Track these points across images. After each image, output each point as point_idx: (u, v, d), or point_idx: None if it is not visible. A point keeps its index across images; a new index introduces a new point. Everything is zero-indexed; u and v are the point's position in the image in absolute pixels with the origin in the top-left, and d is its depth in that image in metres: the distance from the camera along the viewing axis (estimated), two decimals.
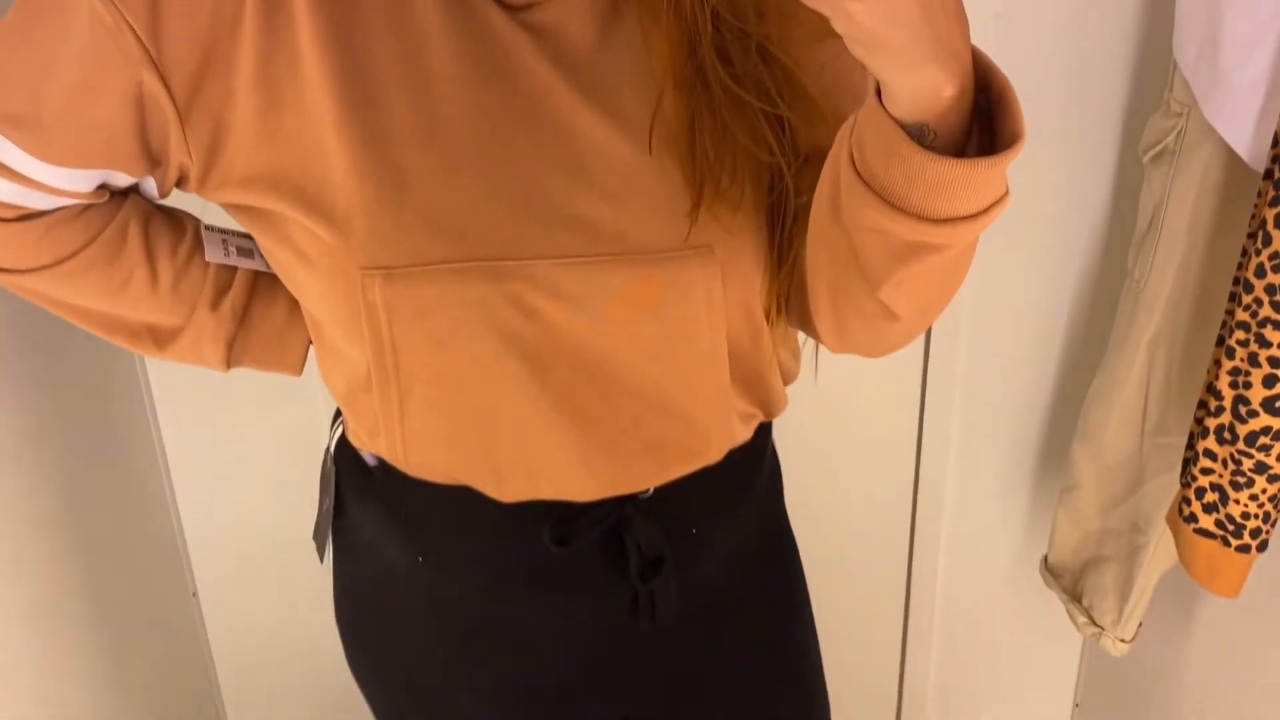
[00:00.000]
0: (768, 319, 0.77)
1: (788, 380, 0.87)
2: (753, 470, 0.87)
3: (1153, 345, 1.23)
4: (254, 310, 0.84)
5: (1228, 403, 0.99)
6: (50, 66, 0.64)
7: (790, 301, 0.77)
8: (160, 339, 0.83)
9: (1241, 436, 0.99)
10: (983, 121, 0.54)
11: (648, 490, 0.79)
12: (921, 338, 1.46)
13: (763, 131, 0.67)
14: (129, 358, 1.46)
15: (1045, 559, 1.46)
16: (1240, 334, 0.97)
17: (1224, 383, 0.99)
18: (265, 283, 0.85)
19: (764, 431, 0.86)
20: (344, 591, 0.93)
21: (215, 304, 0.82)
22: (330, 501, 0.89)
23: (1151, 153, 1.21)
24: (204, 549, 1.58)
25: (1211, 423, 1.02)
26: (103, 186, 0.72)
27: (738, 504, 0.87)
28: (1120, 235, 1.39)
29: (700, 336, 0.72)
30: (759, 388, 0.80)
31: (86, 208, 0.74)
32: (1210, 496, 1.04)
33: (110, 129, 0.66)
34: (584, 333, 0.70)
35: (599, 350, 0.71)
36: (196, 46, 0.64)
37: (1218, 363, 1.01)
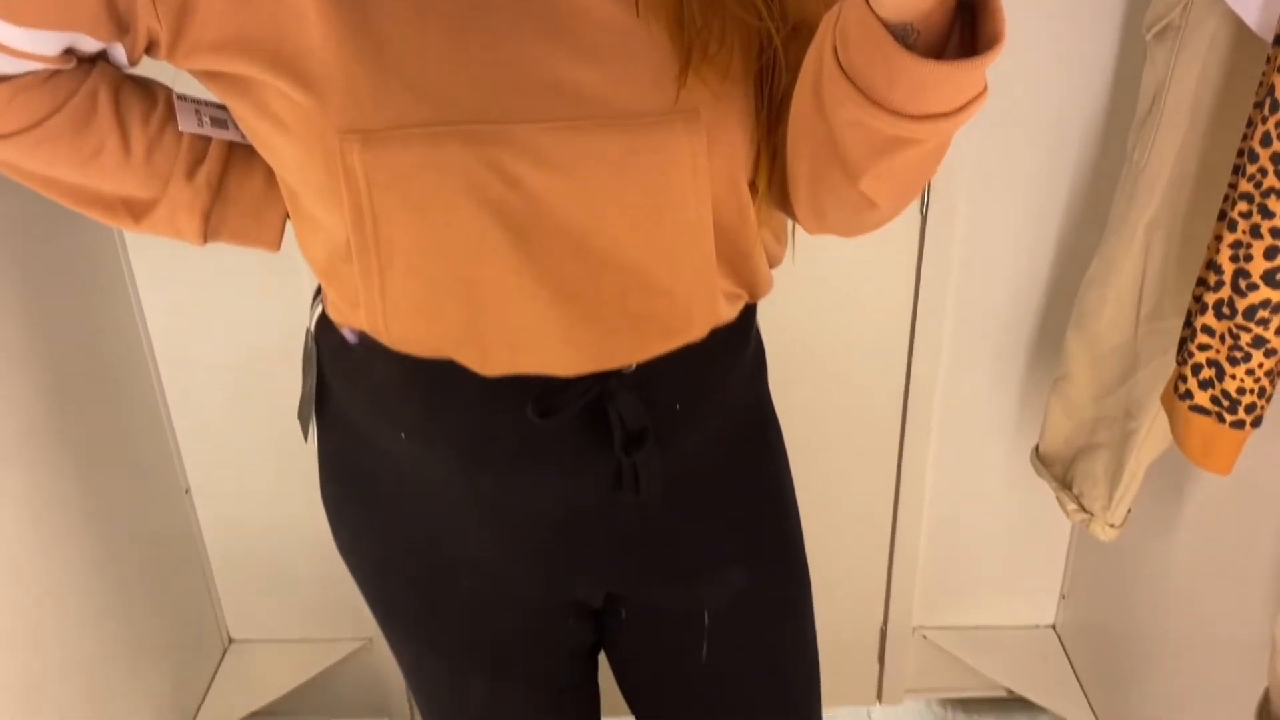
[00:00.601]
0: (753, 192, 0.75)
1: (773, 263, 0.86)
2: (736, 350, 0.86)
3: (1151, 229, 1.22)
4: (229, 182, 0.82)
5: (1228, 276, 0.99)
6: None
7: (772, 179, 0.76)
8: (136, 211, 0.81)
9: (1240, 310, 0.98)
10: (965, 18, 0.54)
11: (630, 365, 0.78)
12: (918, 227, 1.45)
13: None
14: (114, 252, 1.43)
15: (1036, 449, 1.47)
16: (1243, 205, 0.96)
17: (1224, 256, 0.99)
18: (241, 154, 0.83)
19: (749, 313, 0.86)
20: (327, 470, 0.93)
21: (190, 175, 0.80)
22: (312, 380, 0.89)
23: (1155, 29, 1.19)
24: (194, 444, 1.58)
25: (1210, 298, 1.01)
26: (69, 52, 0.70)
27: (721, 383, 0.86)
28: (1120, 119, 1.37)
29: (685, 206, 0.71)
30: (744, 266, 0.79)
31: (54, 74, 0.72)
32: (1206, 373, 1.04)
33: None
34: (567, 202, 0.68)
35: (583, 220, 0.70)
36: None
37: (1219, 238, 1.00)
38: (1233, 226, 0.97)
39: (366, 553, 0.94)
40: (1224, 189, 1.03)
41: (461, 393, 0.79)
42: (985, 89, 0.56)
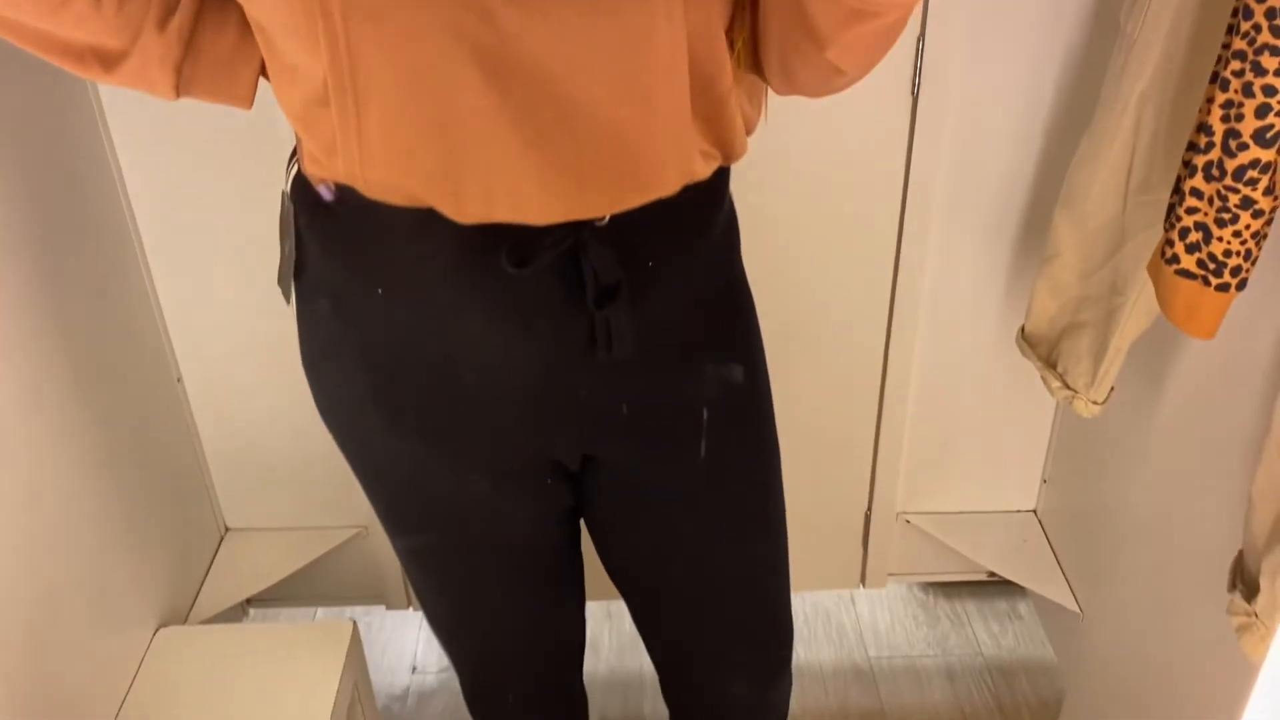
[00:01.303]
0: (730, 46, 0.75)
1: (748, 128, 0.86)
2: (710, 212, 0.87)
3: (1141, 102, 1.22)
4: (202, 35, 0.82)
5: (1218, 137, 1.00)
6: None
7: (747, 35, 0.76)
8: (106, 62, 0.80)
9: (1230, 171, 0.99)
10: None
11: (604, 218, 0.79)
12: (909, 109, 1.45)
13: None
14: (97, 139, 1.41)
15: (1022, 329, 1.49)
16: (1236, 64, 0.96)
17: (1215, 117, 0.99)
18: (214, 7, 0.82)
19: (723, 176, 0.86)
20: (306, 332, 0.94)
21: (161, 26, 0.79)
22: (291, 243, 0.89)
23: None
24: (185, 333, 1.58)
25: (1200, 160, 1.02)
26: None
27: (693, 244, 0.87)
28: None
29: (659, 48, 0.70)
30: (718, 122, 0.79)
31: None
32: (1194, 236, 1.05)
33: None
34: (540, 40, 0.68)
35: (556, 61, 0.69)
36: None
37: (1210, 100, 1.01)
38: (1225, 86, 0.98)
39: (341, 413, 0.95)
40: (1213, 67, 1.03)
41: (438, 242, 0.79)
42: None
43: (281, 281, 0.92)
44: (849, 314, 1.59)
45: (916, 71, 1.42)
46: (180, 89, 0.83)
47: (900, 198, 1.50)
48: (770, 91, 0.85)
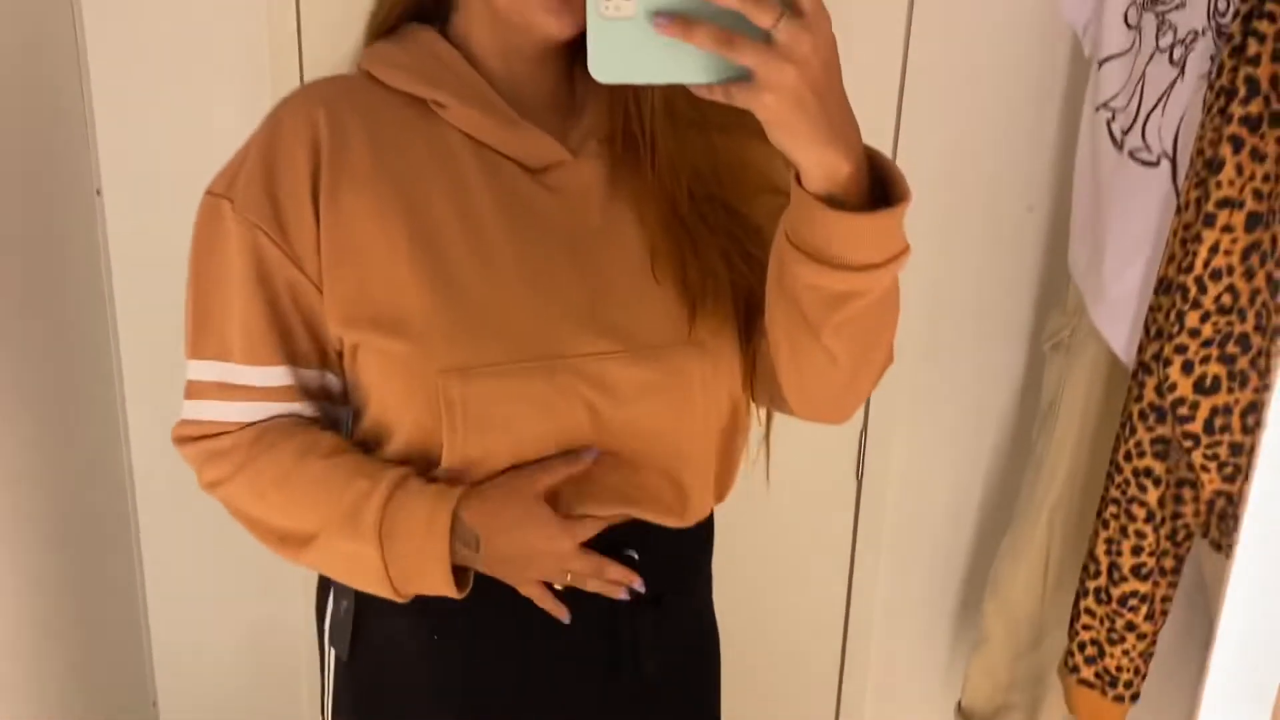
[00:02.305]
0: (751, 396, 0.92)
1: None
2: (706, 546, 0.99)
3: (1053, 511, 1.39)
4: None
5: (1104, 567, 1.15)
6: (226, 289, 0.82)
7: (759, 379, 0.92)
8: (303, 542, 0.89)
9: (1115, 598, 1.14)
10: (878, 190, 0.70)
11: (634, 557, 0.89)
12: (851, 503, 1.62)
13: (735, 261, 0.85)
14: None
15: (959, 704, 1.59)
16: (1113, 508, 1.13)
17: (1100, 549, 1.15)
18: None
19: (712, 520, 0.99)
20: (349, 681, 0.98)
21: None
22: (350, 603, 0.95)
23: (1050, 343, 1.40)
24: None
25: (1091, 584, 1.17)
26: (297, 390, 0.85)
27: (693, 583, 0.99)
28: (1025, 415, 1.57)
29: (696, 415, 0.88)
30: (725, 468, 0.94)
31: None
32: (1090, 650, 1.18)
33: (283, 320, 0.83)
34: (612, 411, 0.84)
35: (625, 425, 0.85)
36: (310, 243, 0.81)
37: (1096, 532, 1.17)
38: (1105, 525, 1.14)
39: None
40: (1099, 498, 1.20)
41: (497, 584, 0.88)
42: (907, 247, 0.70)
43: (335, 640, 0.98)
44: (800, 688, 1.70)
45: (860, 460, 1.60)
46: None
47: (846, 579, 1.65)
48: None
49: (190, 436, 0.87)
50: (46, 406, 1.36)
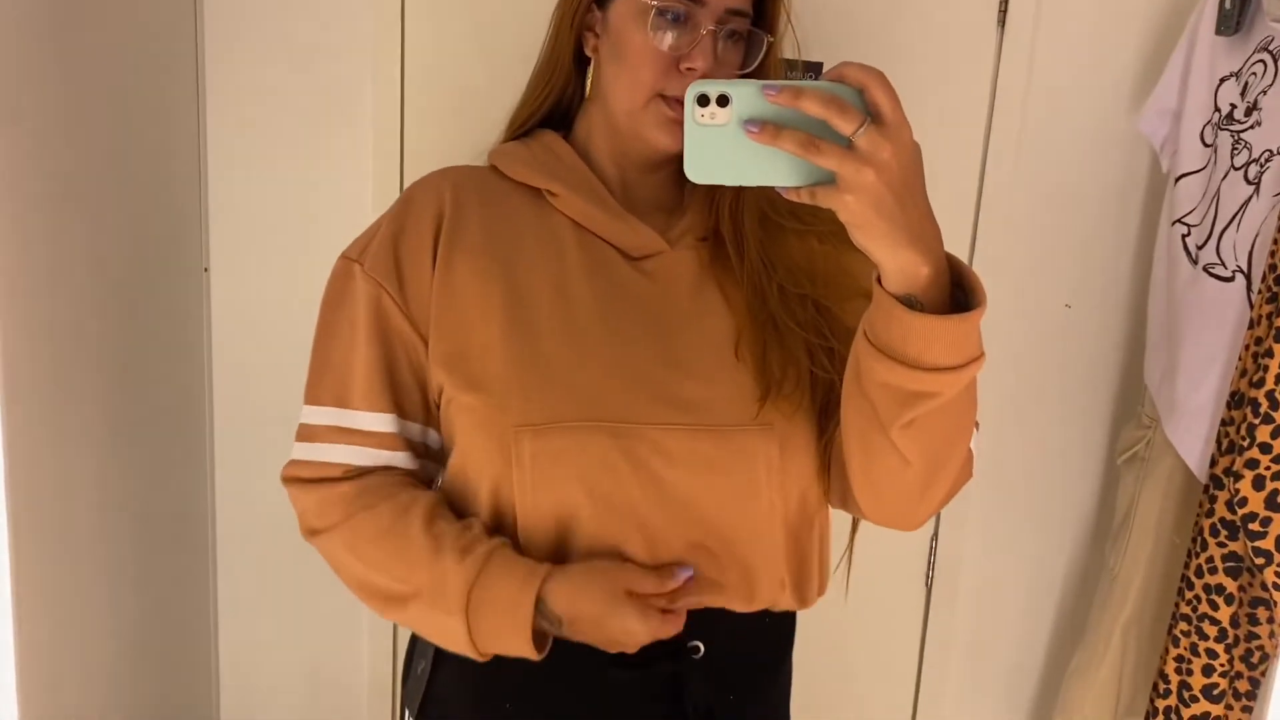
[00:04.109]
0: (825, 492, 0.93)
1: (820, 588, 1.00)
2: (780, 652, 1.00)
3: (1126, 629, 1.35)
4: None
5: (1174, 686, 1.12)
6: (349, 341, 0.89)
7: (832, 480, 0.93)
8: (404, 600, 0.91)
9: (1185, 719, 1.10)
10: (959, 294, 0.73)
11: (700, 649, 0.91)
12: (920, 611, 1.59)
13: (818, 355, 0.89)
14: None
15: None
16: (1183, 625, 1.10)
17: (1170, 668, 1.12)
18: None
19: (791, 624, 1.00)
20: None
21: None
22: (427, 665, 0.98)
23: (1125, 456, 1.39)
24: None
25: (1161, 704, 1.13)
26: (401, 440, 0.91)
27: (765, 686, 0.98)
28: (1100, 528, 1.54)
29: (760, 495, 0.89)
30: (797, 566, 0.94)
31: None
32: None
33: (397, 373, 0.89)
34: (675, 481, 0.86)
35: (685, 495, 0.87)
36: (425, 302, 0.88)
37: (1166, 649, 1.14)
38: (1176, 642, 1.12)
39: None
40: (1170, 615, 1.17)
41: (565, 663, 0.90)
42: (982, 354, 0.72)
43: (407, 700, 1.02)
44: None
45: (930, 565, 1.58)
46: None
47: (913, 696, 1.61)
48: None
49: (300, 477, 0.91)
50: (142, 456, 1.44)
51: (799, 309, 0.90)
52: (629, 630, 0.84)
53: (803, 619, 1.01)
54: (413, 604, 0.87)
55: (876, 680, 1.63)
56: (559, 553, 0.88)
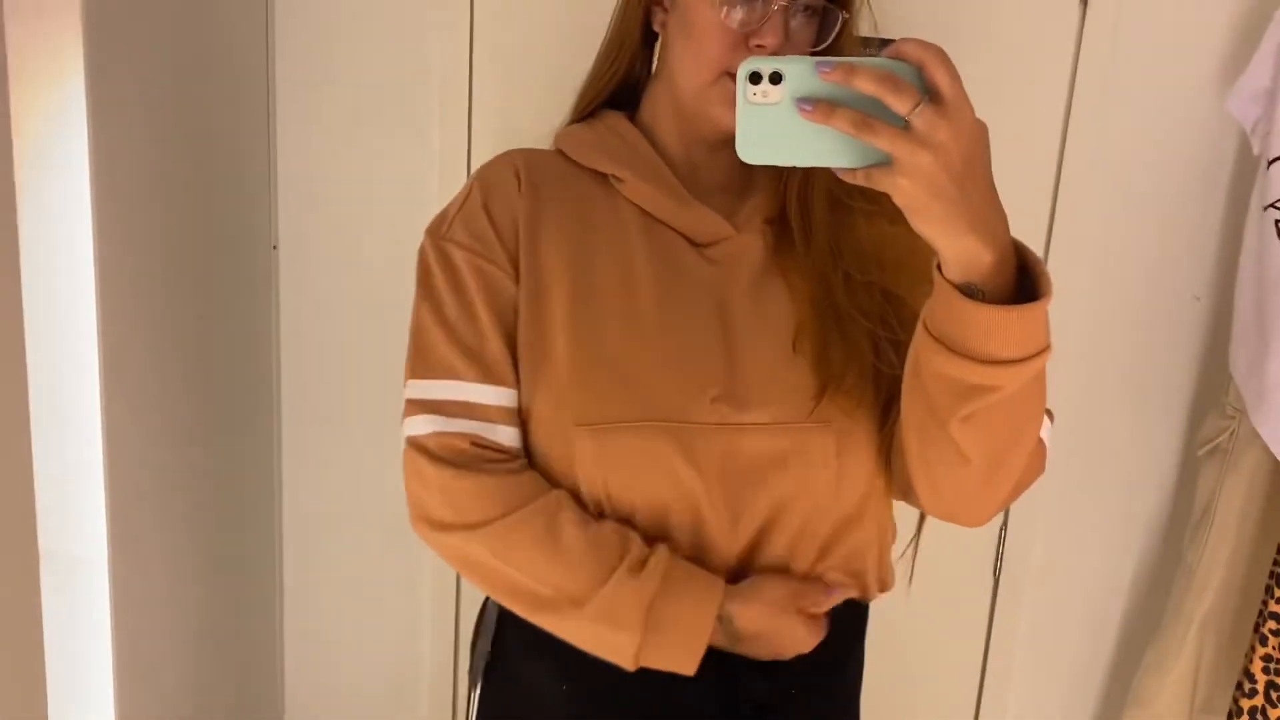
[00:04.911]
0: (887, 486, 0.90)
1: (882, 586, 0.98)
2: (845, 648, 0.97)
3: (1203, 627, 1.32)
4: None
5: (1261, 686, 1.08)
6: (473, 314, 0.86)
7: (894, 473, 0.90)
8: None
9: (1273, 719, 1.07)
10: (1025, 281, 0.68)
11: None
12: (986, 602, 1.56)
13: (883, 348, 0.85)
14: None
15: None
16: (1273, 624, 1.07)
17: (1258, 668, 1.09)
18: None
19: (859, 615, 0.97)
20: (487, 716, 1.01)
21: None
22: (487, 644, 0.98)
23: (1207, 448, 1.34)
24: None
25: (1246, 704, 1.10)
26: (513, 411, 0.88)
27: (829, 681, 0.95)
28: (1174, 522, 1.50)
29: (817, 491, 0.86)
30: (854, 556, 0.91)
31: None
32: None
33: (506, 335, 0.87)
34: (730, 482, 0.85)
35: (739, 496, 0.85)
36: (513, 263, 0.87)
37: (1253, 648, 1.10)
38: (1264, 641, 1.08)
39: None
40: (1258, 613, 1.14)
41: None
42: (1048, 346, 0.68)
43: (473, 675, 1.02)
44: None
45: (999, 556, 1.55)
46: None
47: (977, 689, 1.59)
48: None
49: (449, 461, 0.85)
50: (218, 441, 1.45)
51: (865, 298, 0.87)
52: (799, 639, 0.85)
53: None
54: (571, 613, 0.84)
55: (940, 670, 1.61)
56: None
